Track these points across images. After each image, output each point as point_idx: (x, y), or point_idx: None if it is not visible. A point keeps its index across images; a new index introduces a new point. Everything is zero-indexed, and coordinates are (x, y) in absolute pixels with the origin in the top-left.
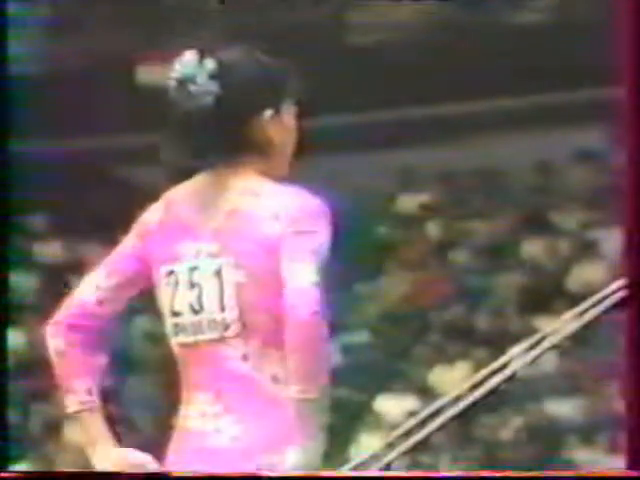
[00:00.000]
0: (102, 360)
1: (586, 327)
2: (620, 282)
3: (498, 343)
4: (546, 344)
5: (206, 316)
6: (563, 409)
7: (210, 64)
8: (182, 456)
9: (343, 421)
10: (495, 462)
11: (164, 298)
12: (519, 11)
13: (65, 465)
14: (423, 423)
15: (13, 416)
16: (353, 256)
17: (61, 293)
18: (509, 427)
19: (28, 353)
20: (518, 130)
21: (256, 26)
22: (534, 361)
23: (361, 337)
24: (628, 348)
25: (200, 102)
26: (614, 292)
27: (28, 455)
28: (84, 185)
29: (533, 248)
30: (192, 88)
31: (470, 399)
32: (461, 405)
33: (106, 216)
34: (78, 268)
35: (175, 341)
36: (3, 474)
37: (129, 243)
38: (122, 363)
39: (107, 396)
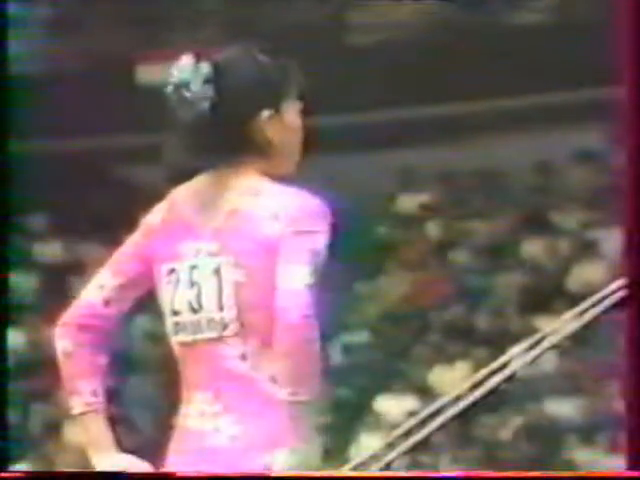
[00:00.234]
0: (106, 360)
1: (586, 327)
2: (620, 282)
3: (498, 343)
4: (546, 344)
5: (205, 315)
6: (563, 409)
7: (205, 68)
8: (182, 456)
9: (343, 421)
10: (495, 462)
11: (165, 297)
12: (519, 11)
13: (65, 465)
14: (423, 423)
15: (13, 416)
16: (353, 256)
17: (61, 293)
18: (509, 427)
19: (28, 353)
20: (518, 130)
21: (256, 26)
22: (534, 361)
23: (361, 337)
24: (628, 348)
25: (196, 107)
26: (614, 292)
27: (28, 455)
28: (84, 185)
29: (533, 248)
30: (187, 94)
31: (470, 399)
32: (461, 405)
33: (106, 216)
34: (78, 268)
35: (175, 340)
36: (3, 474)
37: (133, 243)
38: (122, 363)
39: (107, 396)
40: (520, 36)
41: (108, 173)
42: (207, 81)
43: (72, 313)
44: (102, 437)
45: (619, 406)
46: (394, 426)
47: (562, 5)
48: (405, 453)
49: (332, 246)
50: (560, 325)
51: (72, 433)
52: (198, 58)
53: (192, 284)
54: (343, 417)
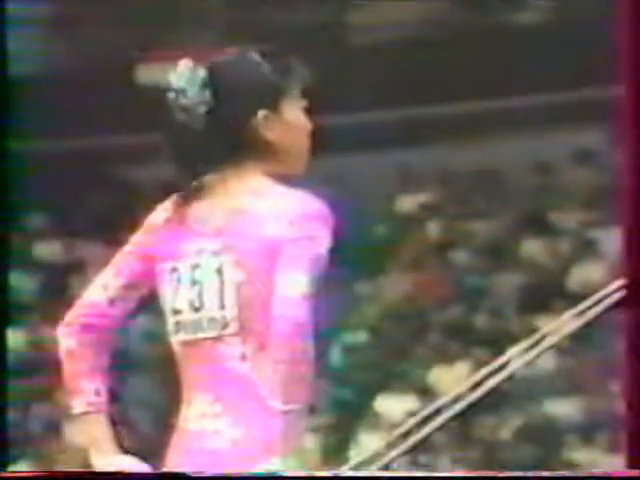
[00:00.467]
0: (109, 360)
1: (586, 327)
2: (620, 282)
3: (498, 343)
4: (546, 344)
5: (206, 314)
6: (563, 409)
7: (201, 73)
8: (182, 456)
9: (343, 421)
10: (495, 462)
11: (166, 296)
12: (519, 11)
13: (65, 465)
14: (423, 423)
15: (13, 416)
16: (353, 256)
17: (61, 293)
18: (509, 427)
19: (28, 353)
20: (518, 130)
21: (256, 26)
22: (534, 361)
23: (361, 337)
24: (628, 348)
25: (193, 113)
26: (614, 292)
27: (28, 455)
28: (84, 185)
29: (533, 248)
30: (184, 101)
31: (470, 399)
32: (461, 405)
33: (106, 216)
34: (78, 268)
35: (176, 340)
36: (3, 474)
37: (135, 242)
38: (122, 363)
39: (108, 396)
40: (520, 36)
41: (108, 173)
42: (203, 86)
43: (76, 313)
44: (103, 437)
45: (619, 406)
46: (394, 426)
47: (562, 5)
48: (405, 453)
49: (333, 247)
50: (560, 325)
51: (72, 433)
52: (195, 63)
53: (194, 283)
54: (343, 417)
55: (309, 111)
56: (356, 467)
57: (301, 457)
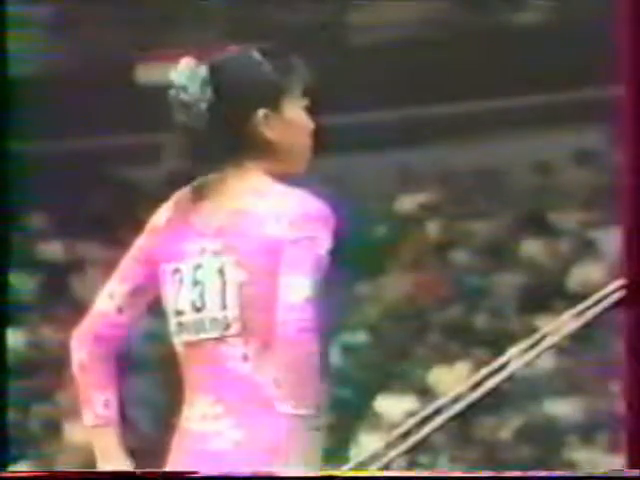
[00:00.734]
0: (120, 369)
1: (585, 327)
2: (619, 282)
3: (498, 343)
4: (545, 344)
5: (208, 314)
6: (563, 409)
7: (202, 71)
8: (183, 457)
9: (343, 421)
10: (495, 462)
11: (169, 297)
12: (519, 11)
13: (65, 465)
14: (423, 423)
15: (13, 416)
16: (353, 256)
17: (61, 293)
18: (509, 427)
19: (28, 353)
20: (518, 130)
21: (256, 26)
22: (533, 361)
23: (361, 337)
24: (628, 347)
25: (194, 111)
26: (613, 292)
27: (28, 455)
28: (84, 185)
29: (533, 248)
30: (185, 98)
31: (470, 399)
32: (461, 405)
33: (106, 216)
34: (78, 268)
35: (178, 340)
36: (3, 474)
37: (138, 247)
38: (122, 363)
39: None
40: (520, 36)
41: (108, 173)
42: (204, 84)
43: (86, 324)
44: (112, 450)
45: (619, 406)
46: (394, 426)
47: (562, 5)
48: (405, 453)
49: (334, 249)
50: (559, 325)
51: (72, 433)
52: (196, 61)
53: (196, 283)
54: (343, 417)
55: (310, 110)
56: (356, 467)
57: (309, 458)
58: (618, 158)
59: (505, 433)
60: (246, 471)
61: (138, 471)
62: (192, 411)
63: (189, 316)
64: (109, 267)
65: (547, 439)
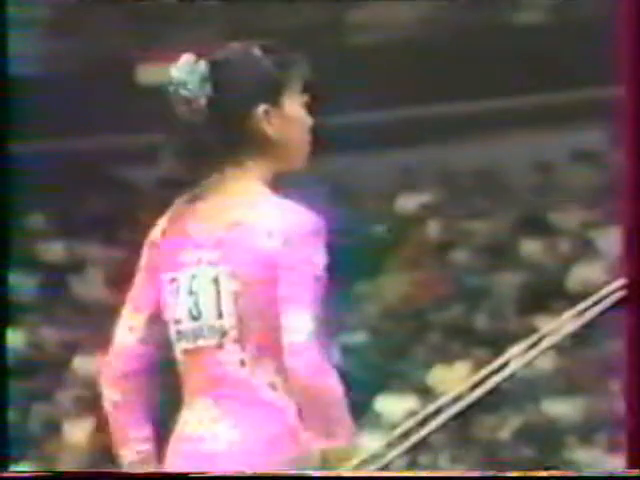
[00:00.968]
0: (157, 398)
1: (585, 327)
2: (619, 282)
3: (498, 343)
4: (545, 344)
5: (205, 322)
6: (562, 409)
7: (202, 66)
8: (179, 460)
9: None
10: (494, 462)
11: (168, 305)
12: (519, 11)
13: (65, 465)
14: (423, 423)
15: (13, 416)
16: (353, 256)
17: (61, 293)
18: (508, 427)
19: (28, 353)
20: (518, 130)
21: (256, 26)
22: (533, 361)
23: (361, 337)
24: (628, 348)
25: (194, 105)
26: (613, 292)
27: (28, 455)
28: (84, 185)
29: (533, 248)
30: (185, 93)
31: (470, 399)
32: (461, 405)
33: (106, 216)
34: (78, 268)
35: (178, 348)
36: (3, 474)
37: (141, 269)
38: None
39: None
40: (520, 36)
41: (108, 173)
42: (204, 79)
43: (113, 362)
44: None
45: (619, 406)
46: (394, 426)
47: (562, 5)
48: (405, 453)
49: (335, 250)
50: (559, 325)
51: (72, 433)
52: (197, 57)
53: (191, 293)
54: None
55: (309, 107)
56: (356, 467)
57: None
58: (618, 158)
59: (505, 433)
60: (246, 471)
61: (139, 473)
62: (190, 415)
63: (187, 324)
64: (109, 267)
65: (547, 439)
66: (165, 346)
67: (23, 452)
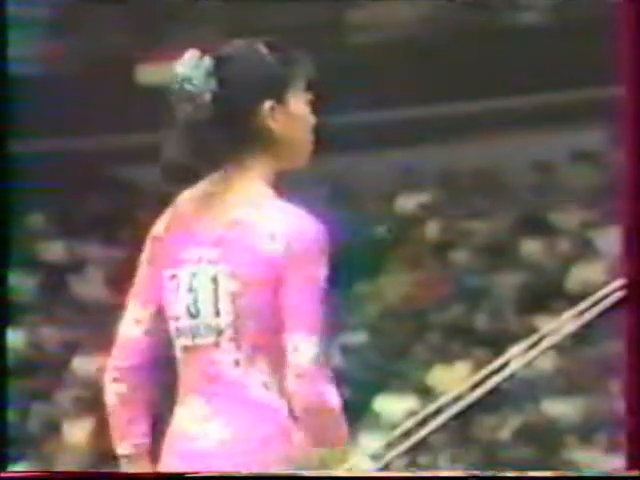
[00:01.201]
0: (157, 391)
1: (585, 327)
2: (619, 282)
3: (498, 343)
4: (545, 344)
5: (202, 320)
6: (562, 409)
7: (207, 62)
8: (172, 457)
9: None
10: (494, 462)
11: (168, 302)
12: (519, 11)
13: (65, 465)
14: (423, 423)
15: (13, 416)
16: (353, 256)
17: (61, 293)
18: (508, 427)
19: (28, 353)
20: (518, 130)
21: (256, 26)
22: (533, 361)
23: (361, 337)
24: (628, 348)
25: (199, 101)
26: (613, 292)
27: (28, 455)
28: (84, 185)
29: (533, 248)
30: (189, 88)
31: (470, 399)
32: (461, 405)
33: (106, 216)
34: (78, 268)
35: (177, 344)
36: (3, 474)
37: (145, 261)
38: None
39: None
40: (520, 36)
41: (108, 173)
42: (209, 75)
43: (120, 355)
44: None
45: (619, 406)
46: (394, 426)
47: (562, 5)
48: (405, 453)
49: (334, 250)
50: (559, 325)
51: (72, 433)
52: (201, 53)
53: (190, 290)
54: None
55: (313, 105)
56: (355, 467)
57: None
58: (618, 158)
59: (505, 433)
60: (242, 471)
61: (138, 473)
62: (183, 412)
63: (184, 322)
64: (109, 267)
65: (546, 439)
66: (168, 341)
67: (22, 452)
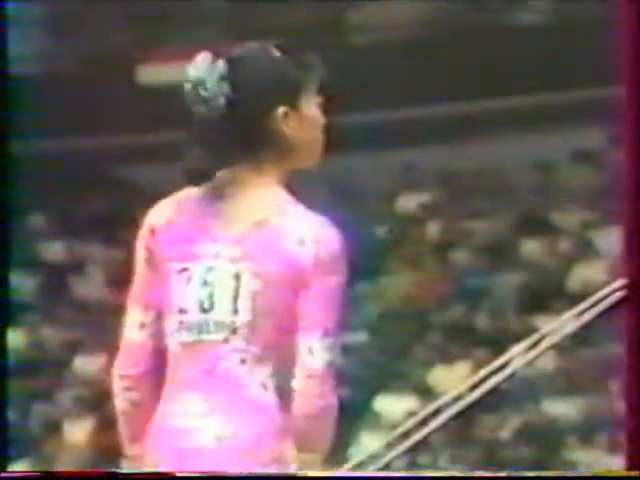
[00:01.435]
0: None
1: (586, 327)
2: (619, 282)
3: (498, 343)
4: (546, 344)
5: (214, 317)
6: (562, 409)
7: (220, 65)
8: (165, 454)
9: (343, 421)
10: (494, 462)
11: (172, 295)
12: (519, 11)
13: (65, 465)
14: (423, 423)
15: (13, 416)
16: (353, 256)
17: (61, 293)
18: (508, 427)
19: (29, 353)
20: (518, 130)
21: (256, 26)
22: (534, 361)
23: (361, 337)
24: (628, 348)
25: (212, 105)
26: (613, 292)
27: (28, 455)
28: (84, 185)
29: (533, 248)
30: (203, 92)
31: (470, 399)
32: (461, 405)
33: (106, 216)
34: (78, 268)
35: (176, 339)
36: (3, 474)
37: (141, 261)
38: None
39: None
40: (520, 36)
41: (108, 173)
42: (222, 78)
43: (128, 362)
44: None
45: (619, 406)
46: (394, 426)
47: (562, 5)
48: (405, 453)
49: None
50: (560, 325)
51: (72, 433)
52: (214, 56)
53: (205, 284)
54: (343, 417)
55: (324, 107)
56: (356, 467)
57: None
58: (618, 158)
59: (505, 433)
60: (240, 469)
61: (138, 473)
62: (175, 407)
63: (193, 316)
64: (109, 267)
65: (547, 439)
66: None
67: (23, 452)
